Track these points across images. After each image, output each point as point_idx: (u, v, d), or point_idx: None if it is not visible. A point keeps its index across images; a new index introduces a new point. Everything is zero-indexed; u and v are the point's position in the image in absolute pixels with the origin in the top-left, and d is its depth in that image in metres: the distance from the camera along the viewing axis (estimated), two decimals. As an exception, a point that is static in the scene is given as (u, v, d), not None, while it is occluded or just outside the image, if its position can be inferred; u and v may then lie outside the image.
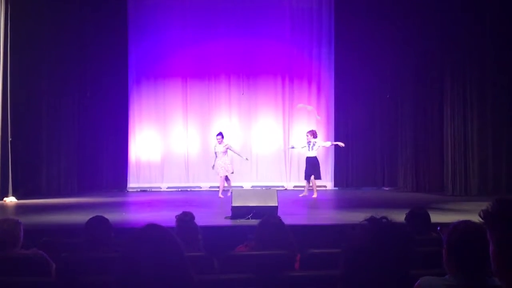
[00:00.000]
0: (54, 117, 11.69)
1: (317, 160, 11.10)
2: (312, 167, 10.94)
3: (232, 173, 11.12)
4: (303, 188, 12.30)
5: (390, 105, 12.85)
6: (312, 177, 10.91)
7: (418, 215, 4.62)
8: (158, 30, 12.93)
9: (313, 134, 11.13)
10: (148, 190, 12.75)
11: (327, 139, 13.20)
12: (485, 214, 1.59)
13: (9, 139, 10.52)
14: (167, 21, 12.97)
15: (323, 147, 11.64)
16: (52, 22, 11.56)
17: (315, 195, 10.81)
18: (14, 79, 10.67)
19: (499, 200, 1.59)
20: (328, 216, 8.44)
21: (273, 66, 13.14)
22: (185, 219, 4.35)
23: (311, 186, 10.96)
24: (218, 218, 7.56)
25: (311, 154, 11.03)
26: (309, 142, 11.07)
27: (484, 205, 1.64)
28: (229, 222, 7.24)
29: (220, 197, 10.67)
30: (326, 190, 12.92)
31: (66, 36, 11.71)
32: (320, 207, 9.95)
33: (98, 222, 4.22)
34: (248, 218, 7.07)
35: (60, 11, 11.64)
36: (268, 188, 11.29)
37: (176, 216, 4.42)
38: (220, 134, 11.17)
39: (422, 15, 12.01)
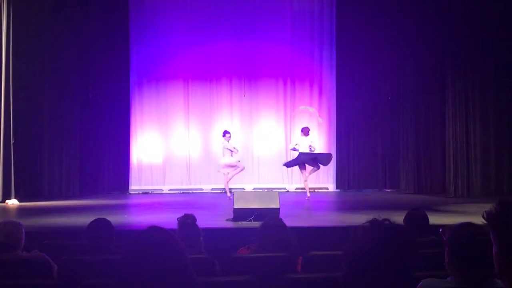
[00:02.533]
0: (56, 120, 11.69)
1: (311, 153, 10.81)
2: (310, 160, 10.79)
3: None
4: (305, 190, 12.29)
5: (392, 107, 12.84)
6: (306, 175, 10.80)
7: (416, 217, 4.62)
8: (160, 33, 12.94)
9: (306, 131, 10.96)
10: (149, 192, 12.76)
11: (329, 141, 13.21)
12: (488, 216, 1.59)
13: (12, 141, 10.53)
14: (168, 24, 12.98)
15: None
16: (54, 24, 11.56)
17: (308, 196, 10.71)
18: (16, 81, 10.67)
19: (502, 201, 1.59)
20: (330, 218, 8.42)
21: (274, 68, 13.14)
22: (187, 221, 4.35)
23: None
24: (220, 220, 7.55)
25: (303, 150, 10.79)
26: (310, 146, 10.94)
27: (487, 207, 1.64)
28: (231, 224, 7.24)
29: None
30: (327, 192, 12.92)
31: (67, 39, 11.72)
32: (322, 209, 9.94)
33: (100, 224, 4.22)
34: (250, 220, 7.07)
35: (62, 14, 11.64)
36: (270, 190, 11.29)
37: (177, 218, 4.42)
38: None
39: (423, 16, 12.01)
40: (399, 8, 12.34)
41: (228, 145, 11.01)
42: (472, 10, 11.35)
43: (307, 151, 10.70)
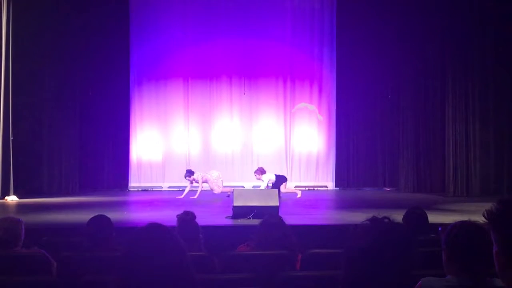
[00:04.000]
0: (56, 116, 11.70)
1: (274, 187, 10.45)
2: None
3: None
4: (304, 188, 12.38)
5: (392, 106, 12.84)
6: (284, 184, 10.69)
7: (416, 215, 4.62)
8: (160, 31, 12.93)
9: (261, 171, 10.67)
10: (149, 189, 12.76)
11: (329, 139, 13.22)
12: (489, 215, 1.59)
13: (11, 138, 10.52)
14: (168, 22, 12.97)
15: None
16: (54, 22, 11.56)
17: (299, 195, 10.64)
18: (16, 78, 10.67)
19: (503, 200, 1.58)
20: (329, 216, 8.44)
21: (274, 66, 13.13)
22: (186, 218, 4.34)
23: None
24: (219, 218, 7.55)
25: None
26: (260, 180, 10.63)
27: (486, 206, 1.64)
28: (230, 222, 7.24)
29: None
30: (327, 190, 12.93)
31: (68, 37, 11.72)
32: (321, 207, 9.94)
33: (100, 221, 4.22)
34: (249, 218, 7.07)
35: (62, 11, 11.64)
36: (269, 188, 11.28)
37: (177, 215, 4.42)
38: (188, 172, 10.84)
39: (423, 15, 12.00)
40: (399, 6, 12.32)
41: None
42: (472, 9, 11.34)
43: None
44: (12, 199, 10.22)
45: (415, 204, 5.77)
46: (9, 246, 3.91)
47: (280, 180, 10.66)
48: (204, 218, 6.11)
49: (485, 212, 1.60)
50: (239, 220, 7.14)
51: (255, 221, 5.92)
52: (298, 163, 13.17)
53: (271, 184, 10.49)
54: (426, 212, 4.80)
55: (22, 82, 10.90)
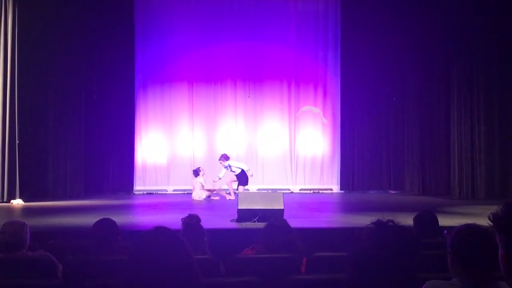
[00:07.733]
0: (61, 120, 11.74)
1: (241, 174, 11.09)
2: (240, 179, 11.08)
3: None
4: (309, 191, 12.36)
5: (396, 108, 12.82)
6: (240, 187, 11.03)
7: (426, 219, 4.61)
8: (165, 34, 12.97)
9: (225, 158, 11.13)
10: (154, 192, 12.77)
11: (334, 142, 13.20)
12: (494, 218, 1.58)
13: (17, 141, 10.56)
14: (173, 26, 13.01)
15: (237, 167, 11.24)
16: (59, 26, 11.61)
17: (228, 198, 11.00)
18: (22, 82, 10.72)
19: (509, 203, 1.58)
20: (334, 219, 8.42)
21: (279, 69, 13.15)
22: (191, 221, 4.35)
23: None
24: (224, 221, 7.55)
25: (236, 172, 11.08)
26: (226, 167, 11.11)
27: (491, 208, 1.63)
28: (235, 225, 7.24)
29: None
30: (332, 193, 12.91)
31: (73, 40, 11.76)
32: (326, 210, 9.92)
33: (105, 225, 4.23)
34: (254, 221, 7.06)
35: (67, 16, 11.69)
36: (274, 191, 11.29)
37: (182, 218, 4.42)
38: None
39: (428, 18, 12.00)
40: (404, 10, 12.32)
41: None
42: (478, 12, 11.32)
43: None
44: (17, 202, 10.25)
45: (423, 208, 5.77)
46: (14, 249, 3.92)
47: (244, 179, 11.01)
48: (209, 222, 6.11)
49: (490, 215, 1.59)
50: (244, 223, 7.14)
51: (260, 224, 5.92)
52: (302, 166, 13.15)
53: (235, 171, 10.96)
54: (432, 215, 4.78)
55: (27, 86, 10.94)
